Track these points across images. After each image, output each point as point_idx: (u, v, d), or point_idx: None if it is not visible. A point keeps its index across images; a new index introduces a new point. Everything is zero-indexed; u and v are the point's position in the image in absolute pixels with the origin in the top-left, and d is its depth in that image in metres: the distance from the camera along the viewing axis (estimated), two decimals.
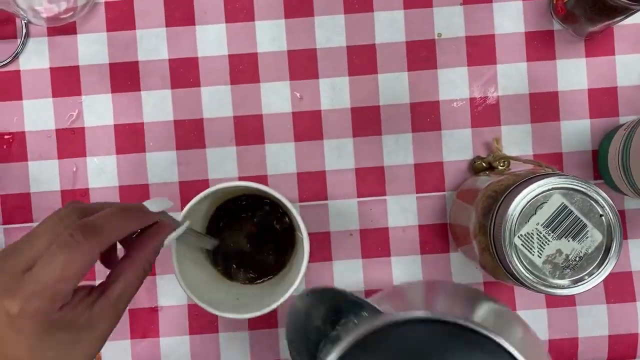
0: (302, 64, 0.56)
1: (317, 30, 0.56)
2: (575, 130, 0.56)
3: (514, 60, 0.56)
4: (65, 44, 0.56)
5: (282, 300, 0.46)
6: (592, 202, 0.40)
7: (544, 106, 0.56)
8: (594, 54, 0.56)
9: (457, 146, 0.56)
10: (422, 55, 0.56)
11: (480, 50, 0.56)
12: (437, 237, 0.56)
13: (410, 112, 0.56)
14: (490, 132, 0.56)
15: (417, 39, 0.56)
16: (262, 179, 0.56)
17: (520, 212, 0.40)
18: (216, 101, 0.56)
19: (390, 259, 0.56)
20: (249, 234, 0.53)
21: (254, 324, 0.56)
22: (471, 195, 0.51)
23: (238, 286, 0.53)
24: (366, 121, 0.56)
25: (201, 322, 0.56)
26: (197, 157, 0.56)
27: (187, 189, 0.56)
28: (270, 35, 0.56)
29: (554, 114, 0.56)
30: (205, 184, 0.56)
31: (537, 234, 0.41)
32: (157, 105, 0.56)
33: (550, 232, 0.40)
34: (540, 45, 0.56)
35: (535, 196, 0.41)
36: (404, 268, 0.56)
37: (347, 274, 0.56)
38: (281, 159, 0.56)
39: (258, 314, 0.46)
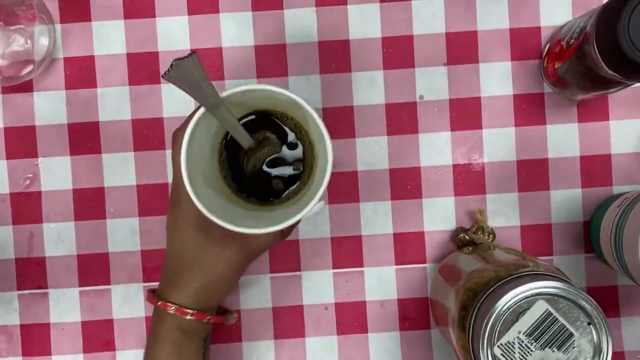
0: None
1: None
2: (566, 199, 0.52)
3: (501, 125, 0.52)
4: (20, 101, 0.52)
5: (306, 211, 0.39)
6: (579, 309, 0.37)
7: (532, 174, 0.52)
8: (586, 119, 0.52)
9: (440, 215, 0.52)
10: (402, 118, 0.52)
11: (465, 114, 0.52)
12: (418, 311, 0.53)
13: (389, 178, 0.52)
14: (474, 201, 0.52)
15: (398, 102, 0.52)
16: None
17: (501, 319, 0.37)
18: None
19: (367, 335, 0.52)
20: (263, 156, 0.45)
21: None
22: (453, 274, 0.48)
23: (252, 206, 0.45)
24: (343, 187, 0.52)
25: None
26: (161, 225, 0.52)
27: (150, 257, 0.52)
28: None
29: (544, 183, 0.52)
30: None
31: (519, 343, 0.37)
32: (118, 169, 0.52)
33: (533, 341, 0.37)
34: (529, 109, 0.52)
35: (518, 302, 0.37)
36: (383, 346, 0.52)
37: (321, 353, 0.52)
38: None
39: (280, 226, 0.39)
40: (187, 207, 0.41)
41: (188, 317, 0.42)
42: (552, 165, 0.52)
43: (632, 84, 0.44)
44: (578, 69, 0.45)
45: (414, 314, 0.53)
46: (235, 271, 0.43)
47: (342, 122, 0.52)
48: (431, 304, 0.52)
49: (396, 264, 0.53)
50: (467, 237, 0.51)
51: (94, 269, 0.52)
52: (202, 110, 0.38)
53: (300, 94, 0.38)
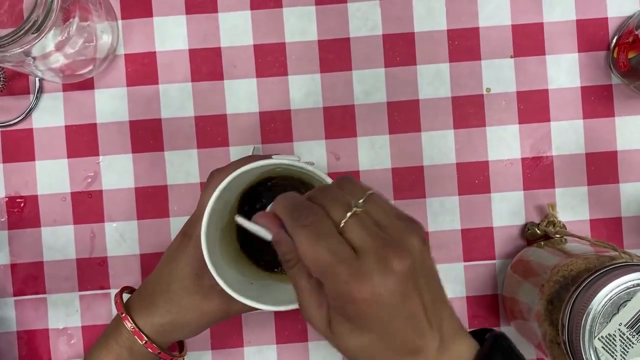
0: (339, 121, 0.51)
1: (356, 85, 0.51)
2: (636, 192, 0.51)
3: (569, 117, 0.51)
4: (82, 99, 0.51)
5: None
6: None
7: (601, 167, 0.51)
8: None
9: (508, 210, 0.51)
10: (469, 111, 0.51)
11: (533, 106, 0.51)
12: (487, 309, 0.52)
13: (456, 173, 0.52)
14: (543, 195, 0.51)
15: (464, 94, 0.51)
16: None
17: (601, 312, 0.36)
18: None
19: None
20: None
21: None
22: (529, 269, 0.47)
23: (256, 270, 0.46)
24: (408, 183, 0.52)
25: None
26: None
27: None
28: (304, 91, 0.51)
29: (613, 176, 0.51)
30: None
31: (620, 336, 0.36)
32: (182, 166, 0.51)
33: (635, 333, 0.36)
34: (597, 101, 0.51)
35: (618, 293, 0.36)
36: None
37: None
38: None
39: (278, 308, 0.39)
40: (194, 247, 0.41)
41: (141, 342, 0.41)
42: (621, 157, 0.51)
43: None
44: None
45: (483, 312, 0.52)
46: (208, 323, 0.43)
47: (407, 115, 0.51)
48: (503, 300, 0.51)
49: (464, 261, 0.52)
50: (538, 231, 0.50)
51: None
52: (237, 172, 0.37)
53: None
